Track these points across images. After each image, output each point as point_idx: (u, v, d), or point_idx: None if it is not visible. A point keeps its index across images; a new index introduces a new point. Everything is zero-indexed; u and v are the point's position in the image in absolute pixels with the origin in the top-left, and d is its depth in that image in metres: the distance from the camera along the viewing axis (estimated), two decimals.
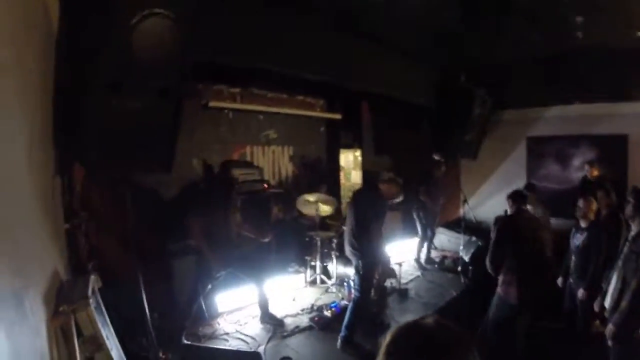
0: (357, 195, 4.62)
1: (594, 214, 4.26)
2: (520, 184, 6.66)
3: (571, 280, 4.43)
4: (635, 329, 3.11)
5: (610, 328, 3.24)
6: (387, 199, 4.37)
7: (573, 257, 4.38)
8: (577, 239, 4.32)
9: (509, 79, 7.79)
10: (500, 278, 3.87)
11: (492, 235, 3.95)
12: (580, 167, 7.55)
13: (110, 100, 2.65)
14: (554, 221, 6.21)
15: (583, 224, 4.28)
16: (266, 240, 4.78)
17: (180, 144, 3.42)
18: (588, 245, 4.16)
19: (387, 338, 1.01)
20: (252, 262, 4.56)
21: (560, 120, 7.93)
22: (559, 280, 4.64)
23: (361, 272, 4.21)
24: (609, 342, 3.26)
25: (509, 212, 4.13)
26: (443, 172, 6.97)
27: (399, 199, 4.65)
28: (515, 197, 4.11)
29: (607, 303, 3.50)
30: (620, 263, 3.39)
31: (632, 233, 3.37)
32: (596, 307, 3.83)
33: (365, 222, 4.19)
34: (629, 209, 3.47)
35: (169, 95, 2.96)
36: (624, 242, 3.48)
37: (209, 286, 4.42)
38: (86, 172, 3.11)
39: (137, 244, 3.35)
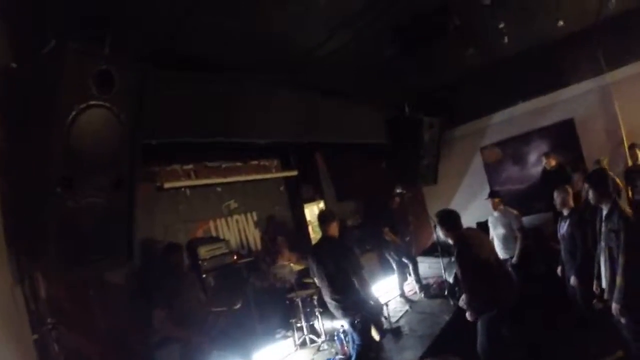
0: (319, 249, 4.33)
1: (573, 200, 4.37)
2: (485, 194, 6.73)
3: (566, 268, 4.50)
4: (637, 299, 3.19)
5: (615, 307, 3.32)
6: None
7: (562, 246, 4.46)
8: (562, 228, 4.43)
9: (452, 97, 8.25)
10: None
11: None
12: (538, 161, 7.83)
13: (64, 200, 2.59)
14: (526, 219, 6.40)
15: (565, 212, 4.38)
16: (237, 307, 4.55)
17: (142, 230, 3.37)
18: (572, 232, 4.26)
19: None
20: (235, 337, 4.38)
21: (508, 123, 8.27)
22: (559, 270, 4.66)
23: (359, 328, 4.01)
24: (622, 320, 3.33)
25: None
26: (398, 204, 7.15)
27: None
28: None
29: (604, 284, 3.57)
30: (602, 244, 3.51)
31: (605, 212, 3.48)
32: (595, 289, 3.88)
33: (342, 274, 3.98)
34: (591, 196, 3.54)
35: (123, 185, 2.94)
36: (599, 222, 3.57)
37: None
38: (48, 276, 2.99)
39: (115, 342, 3.20)
